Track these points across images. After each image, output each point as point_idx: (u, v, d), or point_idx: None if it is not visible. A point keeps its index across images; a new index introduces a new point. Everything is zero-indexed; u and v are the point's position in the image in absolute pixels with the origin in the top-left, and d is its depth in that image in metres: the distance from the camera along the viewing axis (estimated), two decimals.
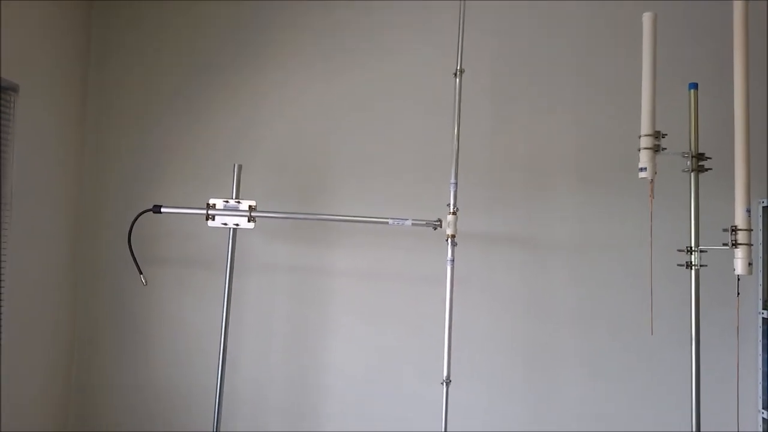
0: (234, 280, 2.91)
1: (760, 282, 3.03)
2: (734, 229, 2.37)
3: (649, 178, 2.42)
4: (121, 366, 3.32)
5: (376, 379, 3.24)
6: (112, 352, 3.33)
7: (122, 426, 3.30)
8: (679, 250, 2.51)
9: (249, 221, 2.82)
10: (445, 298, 2.64)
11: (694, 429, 2.47)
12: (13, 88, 2.77)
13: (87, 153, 3.39)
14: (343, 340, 3.26)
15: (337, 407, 3.24)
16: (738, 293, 2.47)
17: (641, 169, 2.42)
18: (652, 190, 2.46)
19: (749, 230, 2.36)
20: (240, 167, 2.90)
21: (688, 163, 2.51)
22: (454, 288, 2.65)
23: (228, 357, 2.89)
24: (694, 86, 2.54)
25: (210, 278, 3.24)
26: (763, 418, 2.99)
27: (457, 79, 2.71)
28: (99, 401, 3.33)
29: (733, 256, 2.37)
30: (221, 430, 2.87)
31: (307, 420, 3.25)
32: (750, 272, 2.36)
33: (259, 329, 3.29)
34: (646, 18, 2.44)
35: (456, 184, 2.67)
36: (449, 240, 2.65)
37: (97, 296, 3.35)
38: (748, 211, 2.37)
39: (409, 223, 2.75)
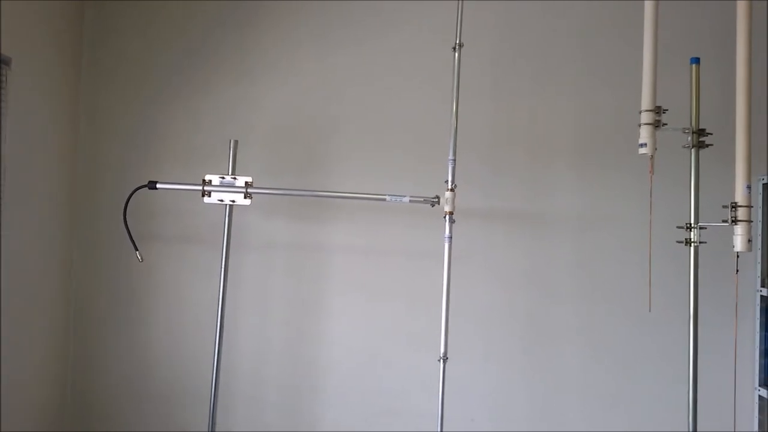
0: (231, 256, 2.89)
1: (759, 259, 3.03)
2: (734, 206, 2.36)
3: (649, 154, 2.40)
4: (119, 342, 3.32)
5: (373, 355, 3.24)
6: (109, 328, 3.33)
7: (120, 402, 3.31)
8: (679, 227, 2.49)
9: (245, 198, 2.80)
10: (443, 275, 2.62)
11: (690, 405, 2.48)
12: (5, 62, 2.73)
13: (81, 128, 3.36)
14: (340, 316, 3.26)
15: (334, 382, 3.25)
16: (737, 270, 2.45)
17: (641, 145, 2.40)
18: (652, 166, 2.44)
19: (749, 207, 2.35)
20: (236, 143, 2.87)
21: (689, 138, 2.48)
22: (453, 264, 2.63)
23: (225, 333, 2.89)
24: (696, 61, 2.51)
25: (207, 255, 3.22)
26: (760, 396, 2.99)
27: (456, 54, 2.67)
28: (97, 378, 3.33)
29: (732, 233, 2.37)
30: (218, 404, 2.87)
31: (305, 395, 3.25)
32: (749, 249, 2.35)
33: (256, 305, 3.28)
34: None
35: (454, 160, 2.65)
36: (447, 217, 2.63)
37: (93, 273, 3.34)
38: (749, 187, 2.36)
39: (406, 200, 2.73)
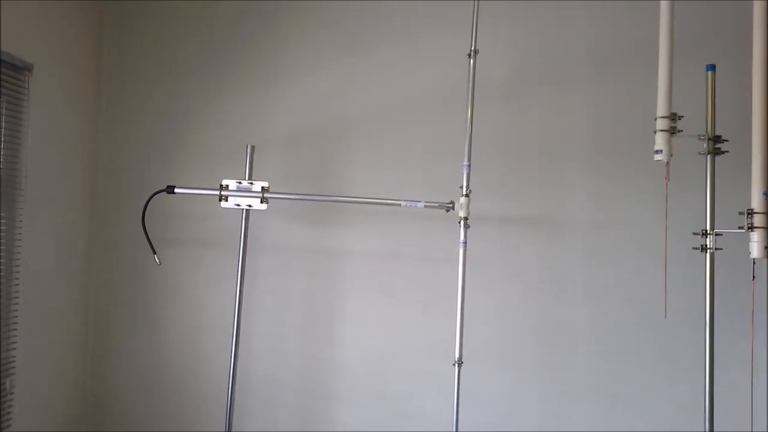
0: (248, 260, 2.92)
1: None
2: (750, 213, 2.35)
3: (665, 161, 2.41)
4: (137, 345, 3.35)
5: (389, 359, 3.24)
6: (127, 331, 3.36)
7: (137, 404, 3.34)
8: (695, 234, 2.49)
9: (262, 202, 2.82)
10: (458, 279, 2.63)
11: (707, 413, 2.47)
12: (27, 68, 2.77)
13: (101, 133, 3.40)
14: (356, 321, 3.28)
15: (349, 386, 3.26)
16: (753, 277, 2.44)
17: (657, 152, 2.41)
18: (668, 173, 2.44)
19: (766, 213, 2.34)
20: (253, 148, 2.89)
21: (705, 145, 2.48)
22: (468, 269, 2.64)
23: (242, 336, 2.91)
24: (712, 68, 2.51)
25: (224, 259, 3.25)
26: None
27: (471, 60, 2.68)
28: (115, 381, 3.37)
29: (748, 240, 2.36)
30: (235, 407, 2.89)
31: (320, 398, 3.27)
32: (766, 256, 2.34)
33: (272, 309, 3.31)
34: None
35: (469, 166, 2.65)
36: (462, 222, 2.64)
37: (111, 277, 3.38)
38: (765, 194, 2.35)
39: (421, 205, 2.74)
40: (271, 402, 3.29)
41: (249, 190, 2.83)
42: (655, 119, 2.41)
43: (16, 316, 2.79)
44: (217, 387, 3.18)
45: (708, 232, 2.46)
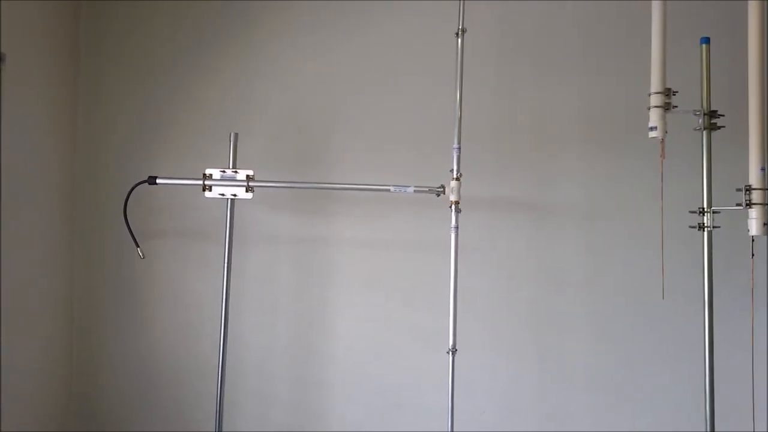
0: (235, 251, 2.86)
1: None
2: (748, 189, 2.33)
3: (660, 138, 2.36)
4: (122, 341, 3.29)
5: (381, 348, 3.20)
6: (112, 327, 3.29)
7: (124, 401, 3.28)
8: (692, 212, 2.45)
9: (247, 191, 2.76)
10: (450, 265, 2.59)
11: (707, 393, 2.45)
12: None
13: (80, 124, 3.32)
14: (347, 309, 3.22)
15: (341, 377, 3.22)
16: (752, 255, 2.41)
17: (651, 128, 2.36)
18: (663, 150, 2.39)
19: (764, 190, 2.32)
20: (236, 136, 2.82)
21: (700, 121, 2.44)
22: (460, 255, 2.60)
23: (231, 328, 2.86)
24: (706, 41, 2.47)
25: (211, 250, 3.18)
26: None
27: (459, 40, 2.62)
28: (100, 377, 3.30)
29: (747, 217, 2.33)
30: (225, 401, 2.84)
31: (312, 391, 3.23)
32: (765, 233, 2.32)
33: (261, 299, 3.25)
34: None
35: (459, 149, 2.60)
36: (453, 206, 2.59)
37: (94, 271, 3.30)
38: (763, 169, 2.32)
39: (411, 190, 2.69)
40: (263, 395, 3.24)
41: (233, 179, 2.76)
42: (649, 95, 2.36)
43: None
44: (206, 381, 3.12)
45: (705, 210, 2.43)
